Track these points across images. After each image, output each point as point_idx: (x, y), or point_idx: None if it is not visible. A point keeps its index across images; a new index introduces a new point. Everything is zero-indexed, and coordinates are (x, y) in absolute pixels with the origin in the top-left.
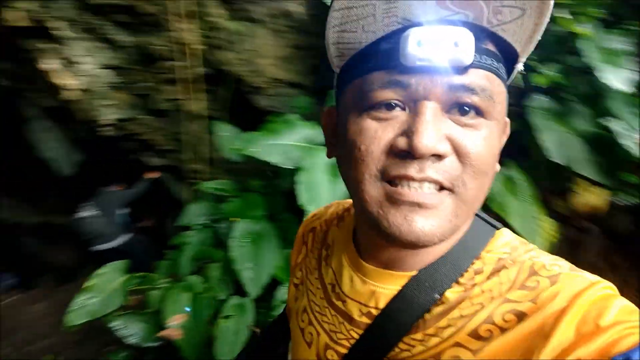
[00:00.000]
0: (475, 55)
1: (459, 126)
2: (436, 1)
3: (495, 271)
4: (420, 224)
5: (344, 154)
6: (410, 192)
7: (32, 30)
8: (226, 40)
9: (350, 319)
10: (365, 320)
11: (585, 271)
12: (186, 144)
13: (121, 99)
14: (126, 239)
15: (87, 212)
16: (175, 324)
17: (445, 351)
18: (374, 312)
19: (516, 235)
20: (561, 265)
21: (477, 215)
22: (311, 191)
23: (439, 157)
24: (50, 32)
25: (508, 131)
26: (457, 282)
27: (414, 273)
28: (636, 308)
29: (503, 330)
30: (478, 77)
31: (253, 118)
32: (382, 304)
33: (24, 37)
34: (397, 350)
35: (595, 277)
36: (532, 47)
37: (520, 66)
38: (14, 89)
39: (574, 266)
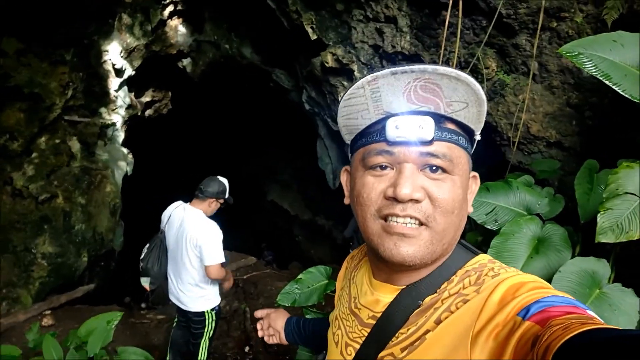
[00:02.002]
0: (436, 133)
1: (430, 179)
2: (406, 100)
3: (462, 279)
4: (405, 249)
5: (354, 200)
6: (397, 225)
7: (337, 70)
8: (493, 92)
9: (362, 322)
10: (371, 321)
11: (524, 273)
12: None
13: None
14: None
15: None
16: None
17: (419, 337)
18: (377, 315)
19: (490, 257)
20: (508, 270)
21: (462, 244)
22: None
23: (416, 201)
24: (352, 73)
25: (478, 182)
26: (435, 292)
27: (404, 287)
28: (548, 286)
29: (453, 313)
30: (440, 147)
31: (498, 170)
32: (382, 309)
33: (331, 75)
34: (390, 343)
35: (523, 273)
36: (481, 126)
37: (477, 137)
38: (316, 112)
39: (519, 270)
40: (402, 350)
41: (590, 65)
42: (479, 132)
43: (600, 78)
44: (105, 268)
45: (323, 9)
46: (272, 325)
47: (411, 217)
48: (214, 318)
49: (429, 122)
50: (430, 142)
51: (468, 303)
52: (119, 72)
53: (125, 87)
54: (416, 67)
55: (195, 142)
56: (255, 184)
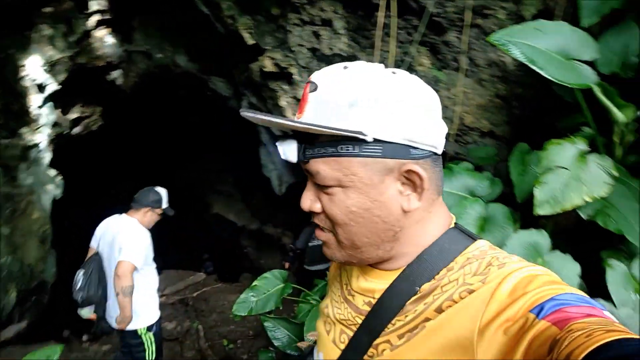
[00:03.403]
0: (309, 151)
1: (323, 193)
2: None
3: (462, 266)
4: (327, 251)
5: None
6: (318, 231)
7: (276, 75)
8: None
9: (356, 308)
10: (367, 308)
11: (531, 263)
12: None
13: None
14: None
15: (317, 242)
16: (312, 339)
17: (418, 324)
18: (373, 301)
19: (490, 244)
20: (513, 259)
21: (458, 229)
22: None
23: (317, 213)
24: (291, 76)
25: (419, 174)
26: (433, 278)
27: (398, 270)
28: (560, 282)
29: (457, 303)
30: (314, 165)
31: None
32: (377, 295)
33: (271, 79)
34: (386, 330)
35: (531, 264)
36: (369, 124)
37: (385, 136)
38: None
39: (523, 260)
40: (400, 337)
41: (517, 52)
42: (386, 133)
43: (527, 63)
44: (37, 302)
45: (258, 13)
46: None
47: (320, 226)
48: (152, 340)
49: (291, 146)
50: (306, 162)
51: (474, 293)
52: (41, 88)
53: (50, 104)
54: (280, 142)
55: (133, 157)
56: (197, 197)
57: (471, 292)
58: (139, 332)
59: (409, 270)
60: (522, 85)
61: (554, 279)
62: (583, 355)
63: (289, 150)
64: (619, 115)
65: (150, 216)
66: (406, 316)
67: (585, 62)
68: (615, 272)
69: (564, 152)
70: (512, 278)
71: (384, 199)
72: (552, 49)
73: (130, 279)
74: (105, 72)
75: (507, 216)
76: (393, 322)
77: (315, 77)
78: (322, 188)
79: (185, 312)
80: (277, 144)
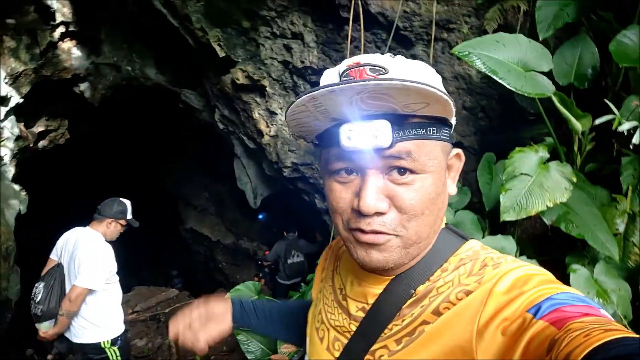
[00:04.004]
0: (396, 134)
1: (397, 185)
2: (356, 108)
3: (457, 267)
4: (376, 257)
5: (327, 202)
6: (366, 236)
7: (249, 87)
8: None
9: (349, 314)
10: (361, 314)
11: (525, 262)
12: None
13: (300, 145)
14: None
15: (297, 259)
16: (285, 352)
17: (416, 328)
18: (367, 307)
19: (482, 244)
20: (507, 259)
21: (449, 229)
22: None
23: (381, 213)
24: (264, 89)
25: (463, 157)
26: (428, 280)
27: (393, 276)
28: (556, 281)
29: (455, 305)
30: (404, 147)
31: None
32: (371, 301)
33: (243, 92)
34: (383, 335)
35: (526, 264)
36: (451, 115)
37: (453, 120)
38: (230, 131)
39: (517, 260)
40: (397, 342)
41: (479, 63)
42: (453, 117)
43: (489, 74)
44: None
45: (229, 26)
46: (210, 311)
47: (376, 232)
48: (118, 354)
49: (385, 126)
50: (391, 146)
51: (470, 295)
52: (3, 100)
53: (13, 117)
54: (356, 84)
55: (102, 171)
56: (171, 212)
57: (468, 293)
58: (102, 346)
59: (403, 273)
60: (487, 97)
61: (550, 278)
62: (583, 354)
63: (382, 133)
64: (577, 124)
65: (114, 227)
66: (403, 320)
67: (543, 73)
68: (579, 277)
69: (528, 160)
70: (508, 278)
71: (444, 184)
72: (511, 60)
73: (80, 304)
74: (72, 85)
75: (474, 223)
76: (390, 327)
77: (372, 61)
78: (399, 176)
79: (157, 329)
80: (350, 129)
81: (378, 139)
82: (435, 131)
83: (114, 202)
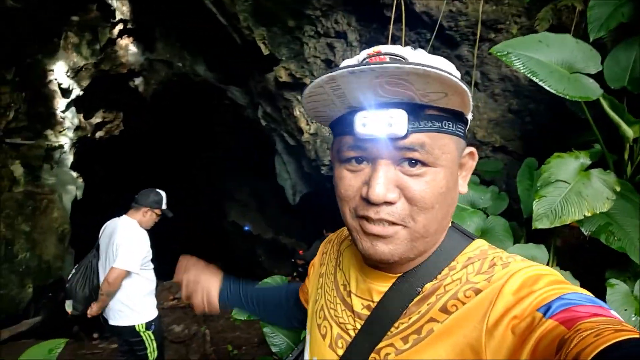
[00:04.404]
0: (412, 125)
1: (408, 176)
2: (373, 94)
3: (464, 266)
4: (381, 249)
5: (335, 189)
6: (373, 226)
7: (291, 85)
8: None
9: (354, 312)
10: (366, 312)
11: (535, 262)
12: None
13: None
14: None
15: None
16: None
17: (423, 326)
18: (372, 304)
19: (488, 243)
20: (516, 258)
21: (456, 228)
22: None
23: (390, 203)
24: (305, 87)
25: (476, 157)
26: (435, 278)
27: (400, 274)
28: (566, 282)
29: (464, 303)
30: (418, 138)
31: None
32: (377, 298)
33: (286, 89)
34: (389, 334)
35: (535, 264)
36: (469, 109)
37: (469, 116)
38: (272, 128)
39: (527, 259)
40: (404, 341)
41: (519, 64)
42: (470, 113)
43: (528, 75)
44: (53, 299)
45: (275, 25)
46: (203, 283)
47: (384, 221)
48: (152, 337)
49: (401, 115)
50: (405, 136)
51: (480, 294)
52: (65, 93)
53: (73, 108)
54: (376, 66)
55: (151, 163)
56: (215, 205)
57: (477, 291)
58: (137, 329)
59: (410, 271)
60: (534, 101)
61: (560, 279)
62: (593, 355)
63: (397, 121)
64: (628, 131)
65: (150, 216)
66: (410, 318)
67: (590, 75)
68: (616, 292)
69: (566, 166)
70: (518, 277)
71: (456, 180)
72: (555, 61)
73: (118, 286)
74: (128, 79)
75: (506, 229)
76: (396, 325)
77: (392, 50)
78: (410, 168)
79: (194, 317)
80: (365, 116)
81: (393, 127)
82: (451, 125)
83: (151, 192)
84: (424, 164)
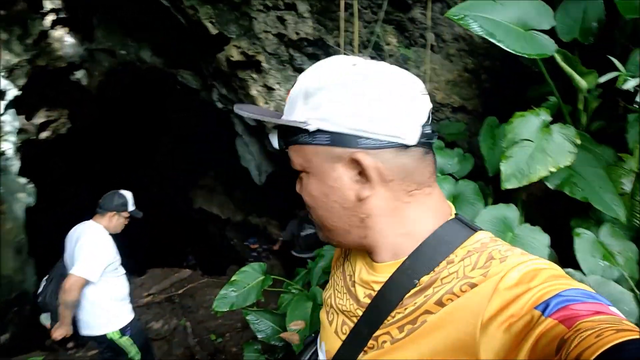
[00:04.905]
0: (282, 141)
1: (300, 179)
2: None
3: (462, 259)
4: (318, 233)
5: None
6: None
7: (244, 63)
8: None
9: (357, 300)
10: (367, 300)
11: (533, 256)
12: None
13: None
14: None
15: (311, 230)
16: (294, 329)
17: (418, 317)
18: (373, 293)
19: (492, 235)
20: (514, 252)
21: (460, 220)
22: None
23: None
24: (259, 64)
25: (361, 163)
26: (433, 270)
27: (399, 264)
28: (565, 276)
29: (459, 297)
30: (290, 152)
31: None
32: (377, 288)
33: (239, 69)
34: (386, 322)
35: (534, 257)
36: (304, 113)
37: (309, 126)
38: (230, 110)
39: (526, 252)
40: (400, 330)
41: (475, 26)
42: (320, 118)
43: (486, 37)
44: (19, 313)
45: (220, 2)
46: None
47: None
48: (131, 342)
49: (275, 136)
50: (286, 148)
51: (475, 288)
52: (1, 95)
53: (12, 110)
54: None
55: (108, 156)
56: (180, 193)
57: (472, 285)
58: (110, 337)
59: (407, 262)
60: (489, 58)
61: (559, 273)
62: (594, 356)
63: (273, 140)
64: (582, 82)
65: (117, 220)
66: (406, 309)
67: (544, 31)
68: (583, 240)
69: (528, 124)
70: (515, 272)
71: (338, 185)
72: (510, 20)
73: (76, 294)
74: (68, 73)
75: (476, 192)
76: (392, 314)
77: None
78: (298, 173)
79: (172, 310)
80: (269, 135)
81: (274, 144)
82: (306, 137)
83: (114, 195)
84: (302, 170)
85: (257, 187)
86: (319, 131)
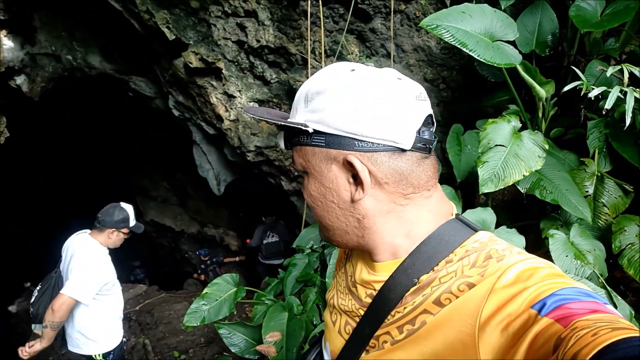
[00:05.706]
0: (287, 142)
1: (303, 179)
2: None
3: (461, 258)
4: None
5: None
6: None
7: (204, 70)
8: None
9: (359, 300)
10: (368, 300)
11: (531, 254)
12: None
13: (262, 128)
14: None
15: (272, 239)
16: (270, 341)
17: (417, 317)
18: (374, 293)
19: (492, 235)
20: (512, 251)
21: (460, 220)
22: None
23: None
24: (219, 71)
25: (353, 166)
26: (432, 270)
27: (399, 263)
28: (562, 274)
29: (457, 297)
30: (293, 153)
31: None
32: (378, 287)
33: (198, 75)
34: (386, 322)
35: (532, 257)
36: (307, 116)
37: (309, 128)
38: (187, 117)
39: (523, 251)
40: (400, 330)
41: (448, 36)
42: (317, 120)
43: (459, 46)
44: None
45: (177, 7)
46: None
47: None
48: None
49: (281, 137)
50: (290, 149)
51: (473, 288)
52: None
53: None
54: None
55: (54, 169)
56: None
57: (470, 285)
58: (93, 358)
59: (407, 262)
60: (447, 68)
61: (556, 272)
62: (591, 355)
63: (280, 141)
64: (541, 91)
65: (116, 236)
66: (405, 308)
67: (509, 42)
68: (556, 241)
69: (501, 130)
70: (512, 271)
71: (334, 187)
72: (478, 31)
73: (64, 315)
74: (7, 79)
75: (452, 196)
76: (392, 313)
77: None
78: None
79: (130, 328)
80: (276, 136)
81: (280, 145)
82: (305, 138)
83: (115, 210)
84: (304, 171)
85: (215, 197)
86: (316, 133)
